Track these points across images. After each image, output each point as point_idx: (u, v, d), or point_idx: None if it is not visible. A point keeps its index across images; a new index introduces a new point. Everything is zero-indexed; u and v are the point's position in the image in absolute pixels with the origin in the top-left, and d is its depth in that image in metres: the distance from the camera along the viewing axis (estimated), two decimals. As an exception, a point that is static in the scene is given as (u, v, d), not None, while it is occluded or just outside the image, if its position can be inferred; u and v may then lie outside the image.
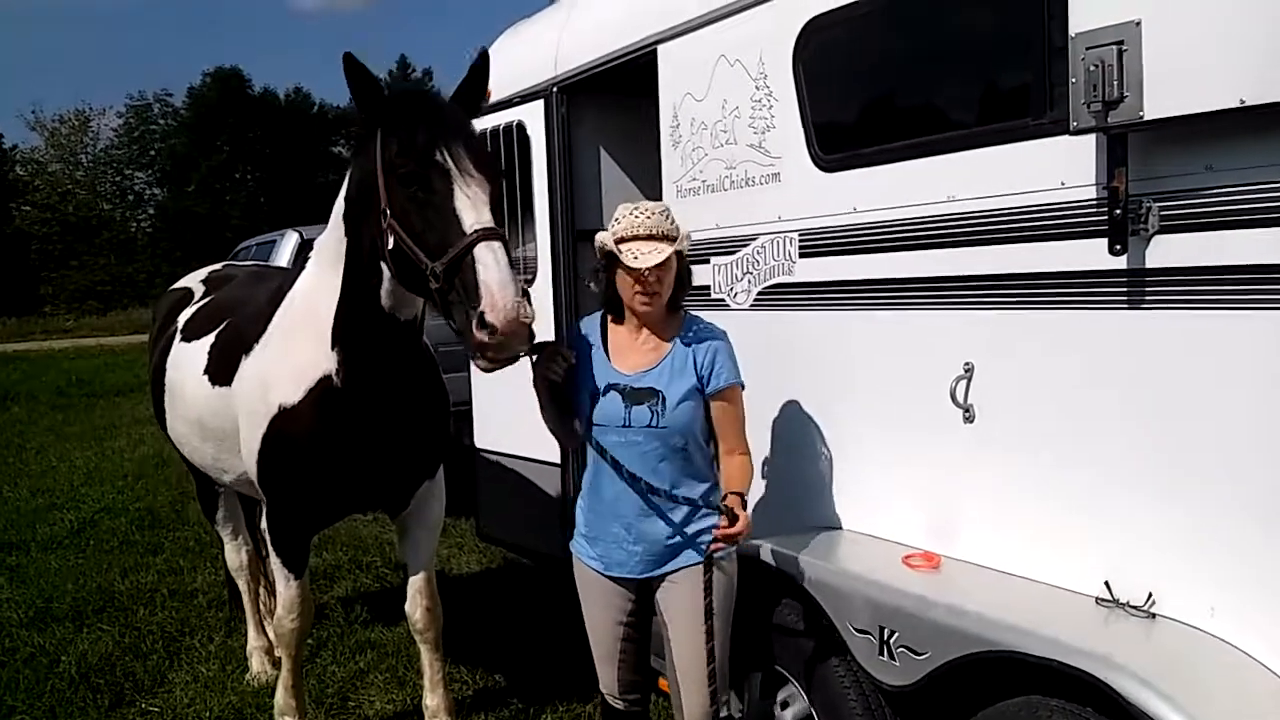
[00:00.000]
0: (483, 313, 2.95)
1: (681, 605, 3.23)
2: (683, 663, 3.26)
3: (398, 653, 5.73)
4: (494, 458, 5.89)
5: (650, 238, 3.11)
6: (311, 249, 4.11)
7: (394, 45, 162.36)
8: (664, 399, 3.17)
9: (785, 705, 3.60)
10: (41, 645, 6.04)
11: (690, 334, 3.26)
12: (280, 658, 5.56)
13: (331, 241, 3.86)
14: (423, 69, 69.05)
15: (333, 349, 3.85)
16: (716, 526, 3.06)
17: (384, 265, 3.51)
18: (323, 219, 4.09)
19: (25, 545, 8.42)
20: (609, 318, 3.37)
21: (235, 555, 5.64)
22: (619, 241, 3.14)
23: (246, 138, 58.74)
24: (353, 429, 3.92)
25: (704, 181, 4.11)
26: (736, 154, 3.93)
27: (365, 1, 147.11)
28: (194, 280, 5.62)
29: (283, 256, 10.16)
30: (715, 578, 3.16)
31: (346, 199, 3.75)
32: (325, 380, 3.87)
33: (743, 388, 3.28)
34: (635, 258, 3.08)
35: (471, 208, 3.14)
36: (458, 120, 3.36)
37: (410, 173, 3.21)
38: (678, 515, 3.21)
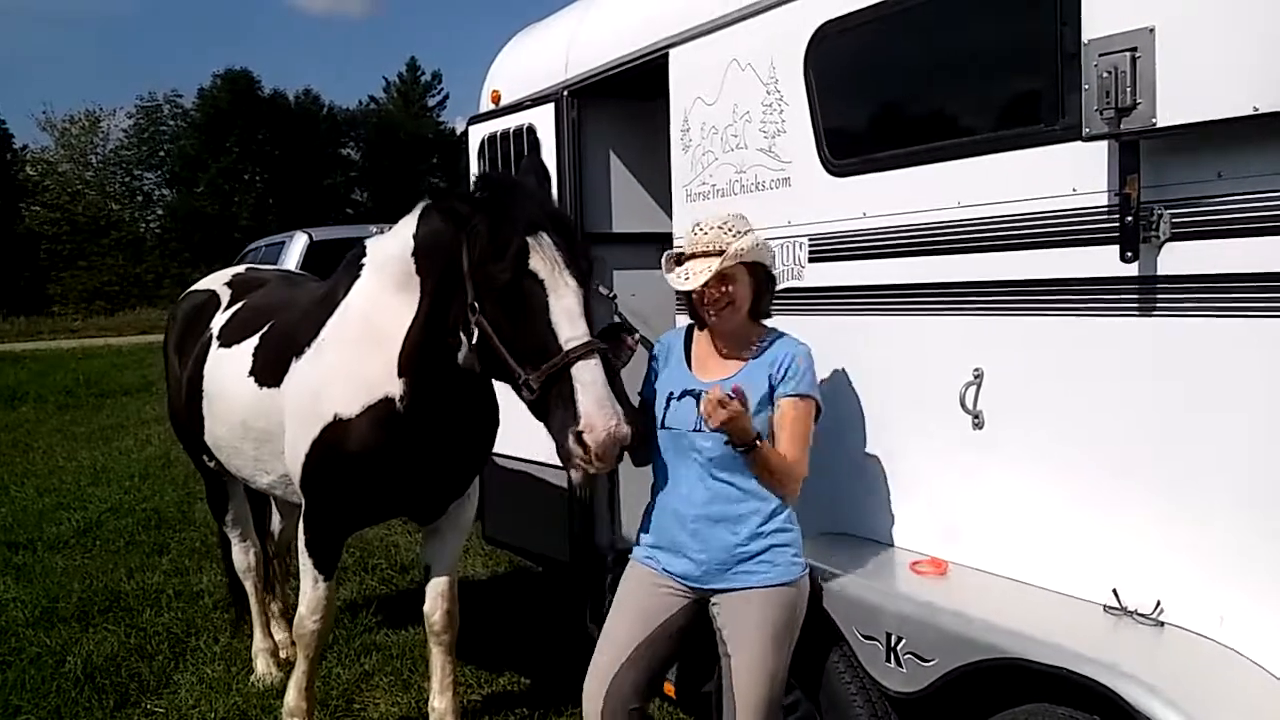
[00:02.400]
0: (581, 433, 2.98)
1: (745, 626, 3.11)
2: (742, 687, 3.12)
3: (403, 655, 5.74)
4: (501, 461, 5.88)
5: (706, 254, 3.12)
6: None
7: (404, 48, 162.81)
8: None
9: (791, 710, 3.59)
10: (47, 645, 6.04)
11: (770, 344, 3.22)
12: (285, 659, 5.60)
13: (396, 268, 3.86)
14: (431, 72, 69.12)
15: (400, 376, 3.85)
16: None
17: (464, 337, 3.53)
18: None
19: (32, 545, 8.41)
20: (694, 327, 3.37)
21: (244, 557, 5.63)
22: (681, 260, 3.19)
23: (256, 139, 58.78)
24: (409, 448, 3.94)
25: (714, 186, 4.11)
26: (747, 158, 3.93)
27: (375, 5, 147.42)
28: (216, 283, 5.54)
29: (291, 257, 10.20)
30: (786, 599, 3.10)
31: (418, 242, 3.76)
32: (388, 402, 3.88)
33: (818, 407, 3.18)
34: (685, 279, 3.12)
35: (568, 321, 3.11)
36: (550, 214, 3.30)
37: (504, 283, 3.17)
38: (744, 527, 3.11)
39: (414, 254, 3.78)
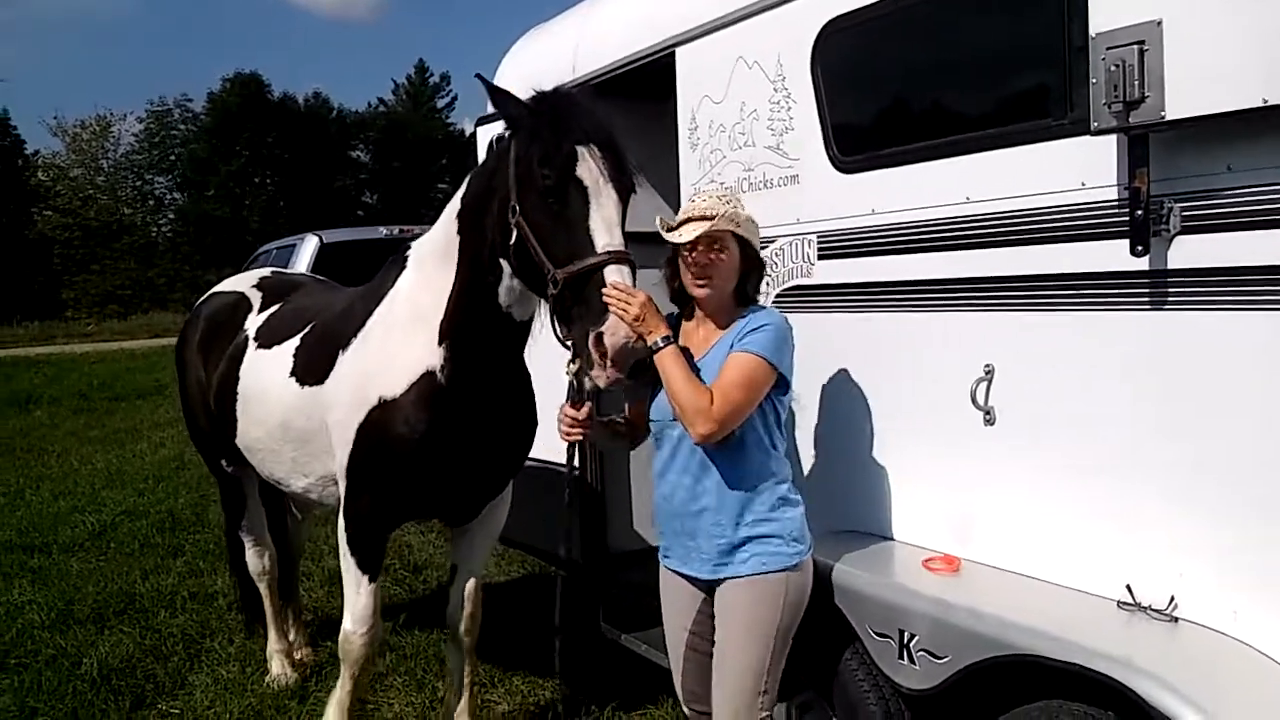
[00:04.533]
0: (601, 334, 3.00)
1: (729, 614, 3.11)
2: (719, 676, 3.14)
3: (417, 656, 5.75)
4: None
5: (702, 219, 3.10)
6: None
7: (412, 49, 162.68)
8: None
9: (805, 709, 3.59)
10: (63, 647, 6.07)
11: (745, 320, 3.13)
12: (299, 661, 5.61)
13: (439, 243, 3.89)
14: (440, 73, 69.18)
15: (440, 344, 3.84)
16: None
17: (504, 262, 3.55)
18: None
19: (47, 548, 8.46)
20: (681, 315, 3.36)
21: (258, 560, 5.62)
22: (674, 228, 3.16)
23: (265, 142, 58.86)
24: (452, 427, 3.89)
25: (722, 184, 4.10)
26: (755, 156, 3.93)
27: (383, 7, 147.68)
28: (244, 285, 5.47)
29: (302, 260, 10.20)
30: (763, 591, 3.05)
31: (468, 196, 3.79)
32: (429, 375, 3.85)
33: (781, 378, 3.06)
34: (680, 236, 3.11)
35: (605, 229, 3.13)
36: (601, 129, 3.30)
37: (549, 185, 3.20)
38: (726, 518, 3.08)
39: (458, 215, 3.81)
